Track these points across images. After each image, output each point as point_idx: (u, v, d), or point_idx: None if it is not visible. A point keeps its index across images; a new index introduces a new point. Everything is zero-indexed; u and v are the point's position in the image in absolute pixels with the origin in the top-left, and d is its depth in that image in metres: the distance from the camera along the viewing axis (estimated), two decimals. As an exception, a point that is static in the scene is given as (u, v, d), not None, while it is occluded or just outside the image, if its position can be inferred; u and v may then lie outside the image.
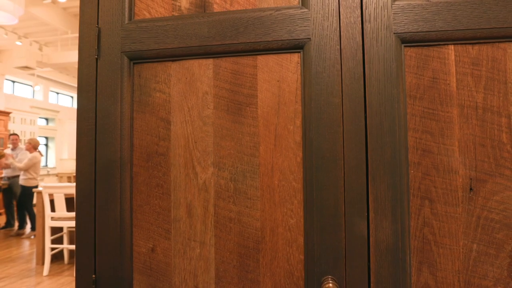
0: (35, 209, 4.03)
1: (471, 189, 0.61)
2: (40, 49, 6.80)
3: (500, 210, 0.60)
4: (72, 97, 9.93)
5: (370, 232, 0.61)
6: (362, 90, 0.63)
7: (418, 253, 0.61)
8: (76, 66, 7.63)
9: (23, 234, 5.07)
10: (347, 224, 0.62)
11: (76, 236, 0.70)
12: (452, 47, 0.62)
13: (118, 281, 0.69)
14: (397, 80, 0.62)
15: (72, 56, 6.47)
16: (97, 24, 0.72)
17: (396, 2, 0.63)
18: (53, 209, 3.31)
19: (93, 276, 0.69)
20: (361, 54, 0.63)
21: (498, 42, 0.61)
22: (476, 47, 0.62)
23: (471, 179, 0.61)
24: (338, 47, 0.64)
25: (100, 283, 0.69)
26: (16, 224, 5.30)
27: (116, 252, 0.69)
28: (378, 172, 0.61)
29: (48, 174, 8.50)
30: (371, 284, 0.61)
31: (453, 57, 0.62)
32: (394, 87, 0.62)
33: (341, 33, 0.64)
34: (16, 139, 5.17)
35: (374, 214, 0.61)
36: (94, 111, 0.71)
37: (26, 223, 5.13)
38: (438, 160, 0.61)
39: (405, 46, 0.63)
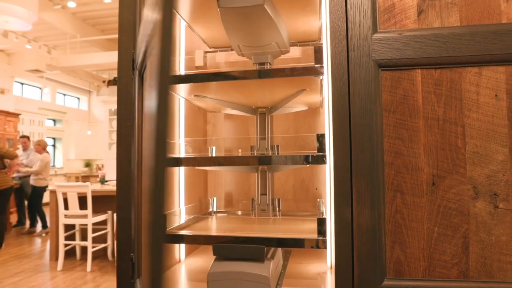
0: (47, 208, 4.21)
1: (433, 183, 0.77)
2: (49, 52, 7.01)
3: (456, 200, 0.76)
4: (78, 98, 10.14)
5: (354, 217, 0.77)
6: (347, 105, 0.79)
7: (391, 234, 0.77)
8: (84, 68, 7.80)
9: (34, 232, 5.26)
10: (336, 211, 0.78)
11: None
12: (419, 71, 0.78)
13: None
14: (375, 97, 0.78)
15: (81, 59, 6.67)
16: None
17: (375, 35, 0.79)
18: (66, 207, 3.48)
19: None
20: (347, 76, 0.79)
21: (455, 67, 0.77)
22: (438, 71, 0.78)
23: (433, 175, 0.77)
24: (329, 70, 0.80)
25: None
26: (28, 222, 5.49)
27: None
28: (360, 171, 0.78)
29: (56, 174, 8.70)
30: (354, 258, 0.77)
31: (419, 79, 0.78)
32: (372, 103, 0.78)
33: (331, 60, 0.80)
34: (26, 142, 5.37)
35: (356, 203, 0.77)
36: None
37: (37, 221, 5.32)
38: (408, 161, 0.77)
39: (381, 70, 0.79)
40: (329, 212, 0.96)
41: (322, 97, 1.18)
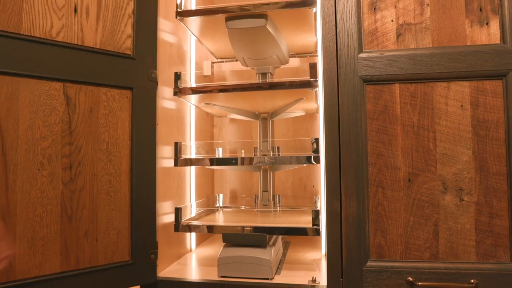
0: None
1: (409, 180, 0.91)
2: None
3: (428, 194, 0.90)
4: None
5: (342, 209, 0.92)
6: (337, 113, 0.93)
7: (374, 223, 0.91)
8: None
9: None
10: (327, 203, 0.93)
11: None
12: (397, 85, 0.92)
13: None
14: (360, 107, 0.92)
15: None
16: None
17: (360, 55, 0.93)
18: None
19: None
20: (337, 89, 0.93)
21: (428, 82, 0.91)
22: (413, 85, 0.92)
23: (409, 173, 0.91)
24: (322, 84, 0.94)
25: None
26: None
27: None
28: (347, 169, 0.92)
29: None
30: (342, 243, 0.91)
31: (398, 92, 0.92)
32: (358, 112, 0.92)
33: (324, 75, 0.94)
34: None
35: (344, 197, 0.92)
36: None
37: None
38: (388, 161, 0.92)
39: (366, 84, 0.93)
40: (323, 205, 1.10)
41: (317, 105, 1.32)
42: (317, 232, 1.00)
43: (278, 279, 0.99)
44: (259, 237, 1.02)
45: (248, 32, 1.06)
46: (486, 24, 0.90)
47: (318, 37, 1.20)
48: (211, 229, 1.07)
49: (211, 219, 1.17)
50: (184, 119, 1.30)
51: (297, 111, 1.45)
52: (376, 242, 0.91)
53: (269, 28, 1.04)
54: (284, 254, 1.25)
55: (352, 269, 0.91)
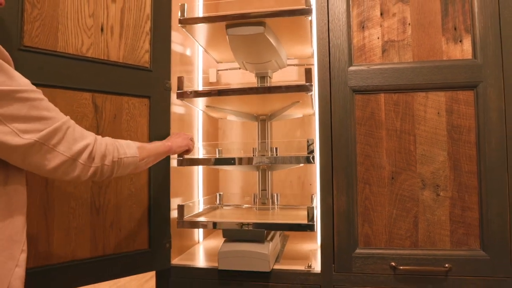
0: None
1: (392, 178, 1.04)
2: None
3: (408, 190, 1.03)
4: None
5: (334, 203, 1.05)
6: (329, 119, 1.06)
7: (362, 215, 1.05)
8: None
9: None
10: (321, 198, 1.06)
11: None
12: (382, 94, 1.05)
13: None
14: (350, 114, 1.05)
15: None
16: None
17: (350, 68, 1.06)
18: None
19: (166, 232, 1.13)
20: (329, 98, 1.06)
21: (409, 92, 1.04)
22: (396, 94, 1.05)
23: (392, 172, 1.04)
24: (317, 94, 1.07)
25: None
26: None
27: (180, 217, 1.13)
28: (338, 168, 1.05)
29: None
30: (334, 233, 1.04)
31: (383, 100, 1.05)
32: (348, 118, 1.05)
33: (318, 85, 1.07)
34: None
35: (336, 192, 1.05)
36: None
37: None
38: (374, 161, 1.05)
39: (355, 94, 1.06)
40: (318, 201, 1.22)
41: (313, 110, 1.45)
42: (311, 228, 1.07)
43: (278, 266, 1.11)
44: (257, 232, 1.08)
45: (248, 38, 1.09)
46: (460, 41, 1.04)
47: (314, 49, 1.32)
48: (212, 225, 1.13)
49: (212, 216, 1.26)
50: (192, 123, 1.43)
51: (295, 113, 1.56)
52: (364, 232, 1.05)
53: (267, 35, 1.07)
54: (283, 246, 1.37)
55: (342, 256, 1.04)
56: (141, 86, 1.07)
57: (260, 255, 1.05)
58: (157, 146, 0.94)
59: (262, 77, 1.32)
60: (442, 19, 1.05)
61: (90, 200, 0.96)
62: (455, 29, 1.04)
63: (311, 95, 1.13)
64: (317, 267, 1.09)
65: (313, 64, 1.13)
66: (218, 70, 1.64)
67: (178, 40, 1.27)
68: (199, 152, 1.45)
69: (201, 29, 1.17)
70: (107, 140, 0.77)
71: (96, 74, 0.98)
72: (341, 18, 1.08)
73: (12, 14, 0.84)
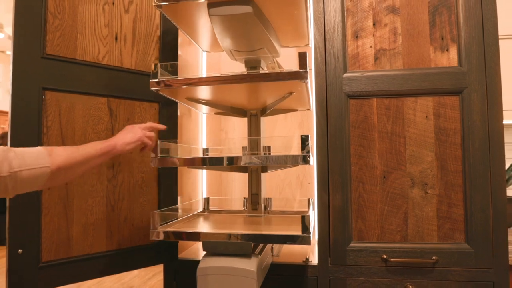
0: None
1: (384, 177, 1.12)
2: None
3: (399, 188, 1.11)
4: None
5: (330, 200, 1.13)
6: (326, 122, 1.14)
7: (355, 212, 1.13)
8: None
9: None
10: (318, 196, 1.14)
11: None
12: (375, 99, 1.14)
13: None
14: (345, 117, 1.14)
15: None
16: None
17: (345, 75, 1.15)
18: None
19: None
20: (325, 103, 1.15)
21: (399, 97, 1.13)
22: (388, 99, 1.13)
23: (384, 171, 1.12)
24: (314, 99, 1.16)
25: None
26: None
27: (187, 213, 1.21)
28: (334, 168, 1.13)
29: None
30: (330, 229, 1.13)
31: (375, 105, 1.14)
32: (343, 121, 1.14)
33: (315, 91, 1.16)
34: None
35: (331, 190, 1.13)
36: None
37: None
38: (367, 161, 1.13)
39: (349, 99, 1.15)
40: (316, 199, 1.30)
41: (310, 107, 1.52)
42: (305, 241, 0.91)
43: (277, 260, 1.19)
44: (243, 245, 0.91)
45: (234, 19, 0.93)
46: (447, 50, 1.12)
47: (311, 36, 1.25)
48: (184, 236, 0.97)
49: (188, 225, 1.09)
50: (196, 125, 1.51)
51: (290, 108, 1.37)
52: (357, 227, 1.13)
53: (256, 16, 0.93)
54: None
55: (337, 249, 1.12)
56: (151, 91, 1.15)
57: (245, 272, 0.87)
58: (93, 148, 0.83)
59: (253, 67, 1.13)
60: (430, 29, 1.13)
61: (106, 197, 1.04)
62: (442, 38, 1.12)
63: (307, 83, 0.97)
64: (314, 260, 1.17)
65: (305, 52, 0.96)
66: (222, 74, 1.72)
67: (183, 45, 1.35)
68: (200, 153, 1.53)
69: (181, 10, 0.99)
70: None
71: (111, 80, 1.06)
72: (336, 28, 1.16)
73: (36, 24, 0.93)
